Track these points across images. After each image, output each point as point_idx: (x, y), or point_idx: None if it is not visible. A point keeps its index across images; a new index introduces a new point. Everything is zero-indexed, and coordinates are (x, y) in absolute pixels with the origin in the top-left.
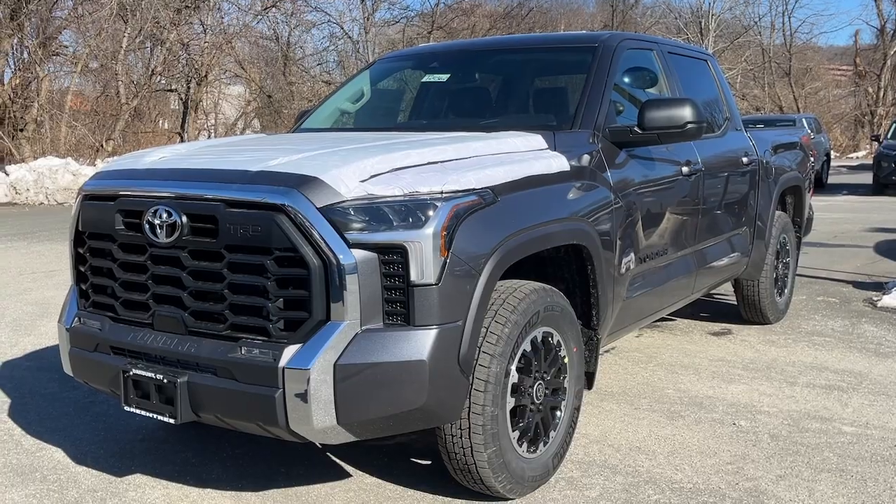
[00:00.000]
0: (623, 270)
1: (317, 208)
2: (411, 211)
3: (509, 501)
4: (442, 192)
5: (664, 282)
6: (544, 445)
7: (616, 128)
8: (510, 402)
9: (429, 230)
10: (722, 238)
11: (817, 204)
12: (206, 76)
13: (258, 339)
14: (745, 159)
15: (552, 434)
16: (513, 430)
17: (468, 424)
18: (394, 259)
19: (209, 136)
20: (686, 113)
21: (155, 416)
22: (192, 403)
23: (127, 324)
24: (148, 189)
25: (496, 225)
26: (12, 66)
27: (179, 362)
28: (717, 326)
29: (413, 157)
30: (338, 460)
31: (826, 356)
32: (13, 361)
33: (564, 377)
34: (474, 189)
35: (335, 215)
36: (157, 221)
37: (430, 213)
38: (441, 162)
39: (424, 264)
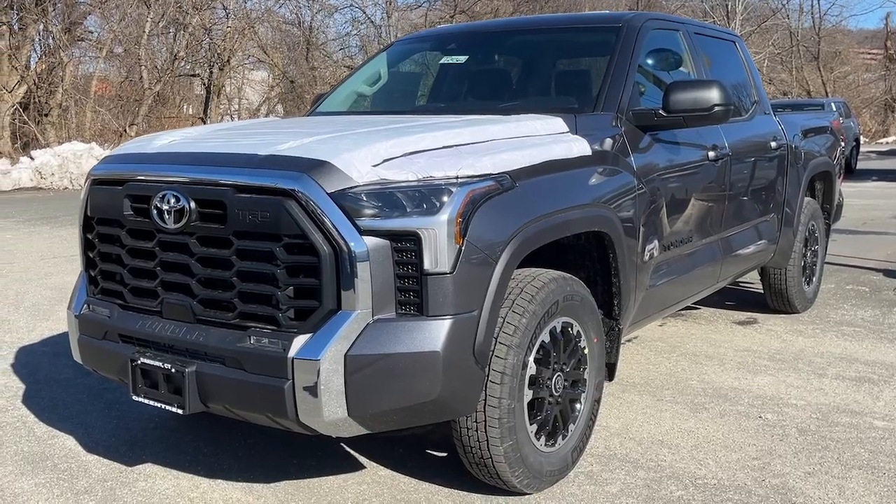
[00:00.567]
0: (646, 258)
1: (327, 193)
2: (425, 197)
3: (527, 496)
4: (457, 177)
5: (689, 270)
6: (563, 439)
7: (640, 110)
8: (528, 395)
9: (443, 217)
10: (749, 225)
11: (846, 190)
12: (228, 61)
13: (267, 329)
14: (773, 144)
15: (571, 427)
16: (530, 424)
17: (484, 417)
18: (407, 247)
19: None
20: (713, 95)
21: (163, 405)
22: (200, 394)
23: (136, 311)
24: (156, 173)
25: (514, 211)
26: (38, 52)
27: (188, 351)
28: (743, 315)
29: (428, 141)
30: (351, 451)
31: (856, 347)
32: (30, 347)
33: (584, 369)
34: (491, 174)
35: (346, 201)
36: (165, 207)
37: (445, 198)
38: (457, 146)
39: (438, 252)
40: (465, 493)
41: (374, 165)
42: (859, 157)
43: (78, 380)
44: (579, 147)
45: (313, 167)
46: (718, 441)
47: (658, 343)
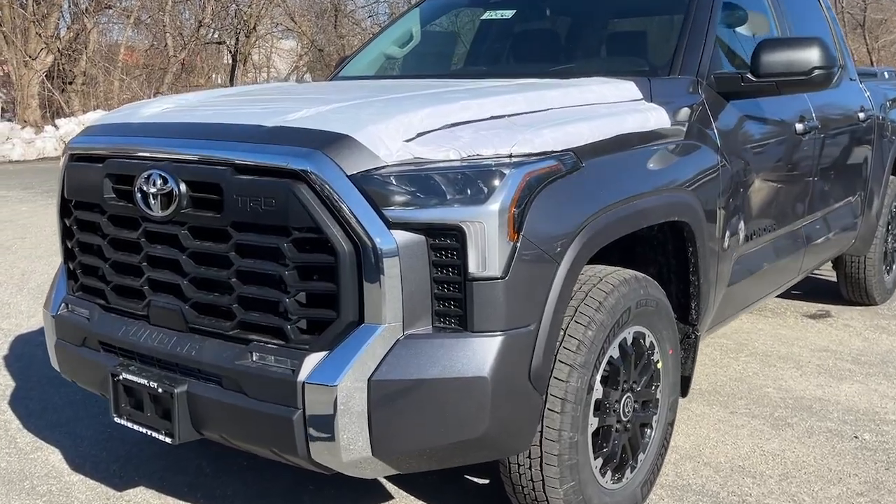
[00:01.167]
0: (728, 251)
1: (347, 176)
2: (471, 180)
3: None
4: (511, 156)
5: (772, 262)
6: (631, 472)
7: (723, 75)
8: (592, 424)
9: (493, 206)
10: (833, 208)
11: None
12: (254, 28)
13: (273, 344)
14: (861, 115)
15: (640, 457)
16: (595, 458)
17: (540, 453)
18: (447, 244)
19: None
20: (813, 56)
21: (149, 432)
22: (193, 419)
23: (120, 314)
24: (140, 148)
25: (581, 198)
26: (67, 20)
27: (179, 367)
28: (814, 307)
29: (473, 110)
30: (377, 477)
31: None
32: (27, 336)
33: (657, 387)
34: (553, 151)
35: (371, 185)
36: (150, 189)
37: (496, 183)
38: (509, 116)
39: (487, 251)
40: None
41: (407, 141)
42: None
43: None
44: (657, 117)
45: (330, 142)
46: (811, 469)
47: (722, 340)
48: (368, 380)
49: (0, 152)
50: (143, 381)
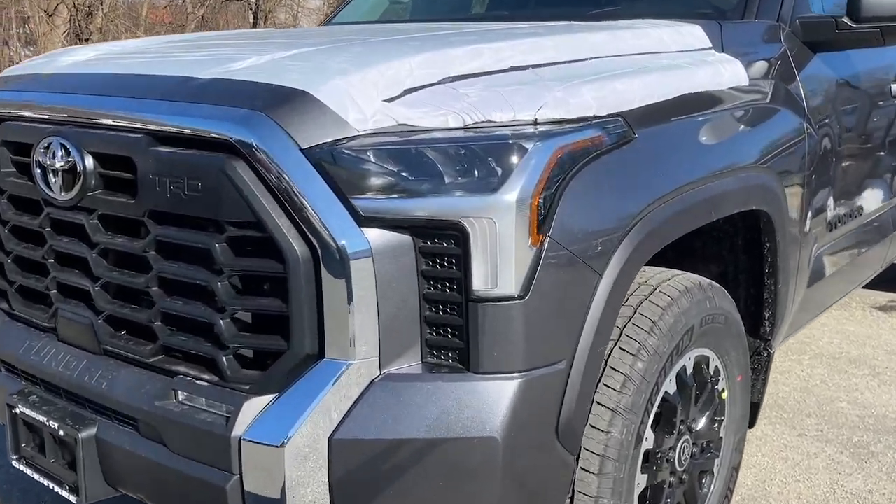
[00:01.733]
0: (810, 244)
1: (302, 150)
2: (478, 158)
3: None
4: (536, 122)
5: (857, 254)
6: None
7: (811, 19)
8: (640, 484)
9: (509, 195)
10: None
11: None
12: None
13: (203, 380)
14: None
15: None
16: None
17: None
18: (443, 248)
19: None
20: None
21: (51, 485)
22: (105, 472)
23: (24, 324)
24: (41, 108)
25: (633, 182)
26: None
27: (88, 401)
28: (883, 298)
29: (485, 58)
30: None
31: None
32: None
33: (720, 423)
34: (595, 116)
35: (336, 163)
36: (50, 163)
37: (514, 160)
38: (534, 67)
39: (499, 259)
40: None
41: (388, 100)
42: None
43: None
44: (731, 72)
45: (280, 102)
46: None
47: None
48: (330, 439)
49: None
50: (43, 420)
